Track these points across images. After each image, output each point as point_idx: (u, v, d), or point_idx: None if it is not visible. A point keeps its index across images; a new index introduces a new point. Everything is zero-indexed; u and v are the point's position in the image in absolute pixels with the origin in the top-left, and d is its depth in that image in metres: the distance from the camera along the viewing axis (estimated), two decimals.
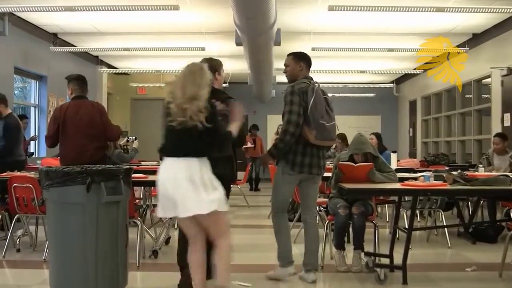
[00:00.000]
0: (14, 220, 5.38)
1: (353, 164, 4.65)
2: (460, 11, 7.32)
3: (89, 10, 7.36)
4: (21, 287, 4.43)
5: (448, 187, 4.27)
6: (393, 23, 9.37)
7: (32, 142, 9.61)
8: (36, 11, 7.59)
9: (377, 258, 4.70)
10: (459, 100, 11.88)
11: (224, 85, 14.83)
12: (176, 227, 6.73)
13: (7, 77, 9.15)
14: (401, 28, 9.67)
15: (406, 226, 5.90)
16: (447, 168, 7.79)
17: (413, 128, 15.70)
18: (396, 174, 4.87)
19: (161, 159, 3.42)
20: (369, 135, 8.88)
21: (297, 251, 5.74)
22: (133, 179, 5.30)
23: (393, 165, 6.93)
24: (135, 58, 12.95)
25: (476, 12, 7.46)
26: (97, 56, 13.02)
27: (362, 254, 4.74)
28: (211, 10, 8.57)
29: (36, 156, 9.88)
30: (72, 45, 11.16)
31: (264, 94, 15.28)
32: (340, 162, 4.71)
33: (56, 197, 3.49)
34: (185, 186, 3.23)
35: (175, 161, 3.32)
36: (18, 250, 5.51)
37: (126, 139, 7.97)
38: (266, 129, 16.92)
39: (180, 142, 3.37)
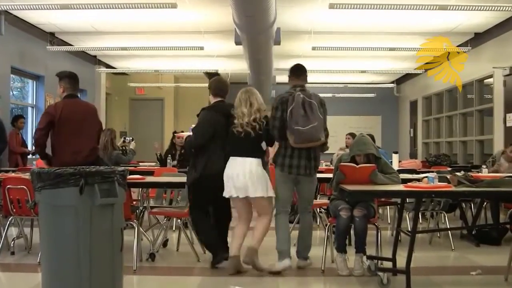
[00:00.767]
0: (8, 223, 5.26)
1: (354, 165, 4.54)
2: (462, 9, 7.21)
3: (86, 8, 7.25)
4: None
5: (453, 188, 4.15)
6: (395, 22, 9.27)
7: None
8: (32, 9, 7.49)
9: (379, 261, 4.59)
10: (461, 100, 11.79)
11: None
12: (174, 229, 6.64)
13: (4, 77, 9.05)
14: (403, 27, 9.57)
15: (409, 229, 5.83)
16: (449, 169, 7.69)
17: (414, 128, 15.60)
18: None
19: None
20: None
21: None
22: (130, 181, 5.23)
23: (395, 166, 6.82)
24: (133, 58, 12.85)
25: (479, 10, 7.35)
26: (95, 56, 12.92)
27: (364, 257, 4.61)
28: (210, 8, 8.46)
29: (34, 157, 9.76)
30: (70, 45, 11.05)
31: (264, 94, 15.10)
32: (342, 163, 4.59)
33: (48, 200, 3.36)
34: (252, 176, 4.60)
35: (244, 159, 4.67)
36: (13, 253, 5.39)
37: (122, 139, 7.87)
38: None
39: (242, 145, 4.70)
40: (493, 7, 7.27)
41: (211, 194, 4.83)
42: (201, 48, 10.05)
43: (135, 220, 5.00)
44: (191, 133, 5.05)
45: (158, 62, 13.01)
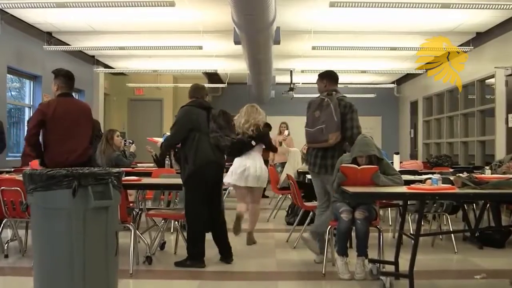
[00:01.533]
0: (2, 225, 5.16)
1: (356, 166, 4.43)
2: (465, 7, 7.12)
3: (82, 7, 7.14)
4: None
5: (458, 190, 4.04)
6: (396, 22, 9.18)
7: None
8: (28, 7, 7.37)
9: (381, 265, 4.48)
10: (462, 100, 11.69)
11: (222, 85, 14.71)
12: (172, 231, 6.54)
13: (0, 77, 8.93)
14: (404, 27, 9.48)
15: (411, 231, 5.73)
16: (451, 170, 7.59)
17: (414, 129, 15.50)
18: None
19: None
20: None
21: (298, 257, 5.56)
22: (126, 182, 5.13)
23: (396, 167, 6.71)
24: (132, 58, 12.74)
25: (482, 8, 7.26)
26: (93, 56, 12.80)
27: (366, 261, 4.51)
28: (209, 7, 8.36)
29: None
30: (67, 45, 10.94)
31: (264, 94, 15.06)
32: (343, 165, 4.48)
33: (40, 202, 3.26)
34: (261, 170, 6.12)
35: (249, 155, 6.10)
36: (6, 256, 5.28)
37: (123, 143, 7.75)
38: None
39: (245, 146, 6.06)
40: (496, 6, 7.17)
41: (207, 185, 5.03)
42: (200, 48, 9.94)
43: (131, 223, 4.89)
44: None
45: (157, 62, 12.91)
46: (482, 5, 7.08)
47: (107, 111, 14.62)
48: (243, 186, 6.10)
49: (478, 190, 4.03)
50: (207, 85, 15.46)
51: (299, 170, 8.04)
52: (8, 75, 9.40)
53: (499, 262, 5.22)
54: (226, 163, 5.46)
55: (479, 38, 10.08)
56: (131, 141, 8.15)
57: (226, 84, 14.83)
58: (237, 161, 6.15)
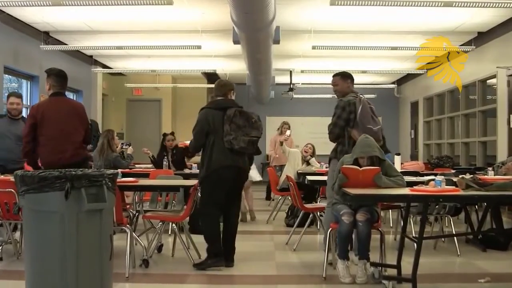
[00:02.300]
0: None
1: (358, 168, 4.32)
2: (468, 6, 7.01)
3: (78, 5, 7.03)
4: None
5: (462, 192, 3.94)
6: (397, 21, 9.09)
7: None
8: (23, 5, 7.26)
9: (383, 268, 4.38)
10: (463, 101, 11.60)
11: None
12: (170, 233, 6.42)
13: None
14: (405, 26, 9.38)
15: (413, 233, 5.63)
16: (453, 171, 7.50)
17: (414, 130, 15.41)
18: None
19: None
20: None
21: (298, 260, 5.46)
22: (123, 183, 5.04)
23: (397, 168, 6.60)
24: (130, 58, 12.64)
25: (485, 7, 7.16)
26: (91, 56, 12.70)
27: (368, 264, 4.41)
28: (207, 6, 8.26)
29: None
30: (65, 44, 10.84)
31: (263, 95, 14.98)
32: (344, 166, 4.38)
33: (32, 205, 3.16)
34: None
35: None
36: (0, 259, 5.18)
37: (120, 146, 7.65)
38: (265, 131, 16.56)
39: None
40: (499, 4, 7.08)
41: (222, 189, 4.98)
42: (199, 47, 9.83)
43: (127, 225, 4.78)
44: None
45: (155, 62, 12.81)
46: (485, 4, 6.97)
47: (105, 111, 14.51)
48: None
49: (483, 192, 3.93)
50: (205, 85, 15.40)
51: (299, 171, 7.95)
52: (5, 75, 9.30)
53: (503, 265, 5.13)
54: None
55: (481, 38, 9.99)
56: (128, 143, 8.06)
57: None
58: None
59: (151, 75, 14.74)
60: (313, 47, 9.69)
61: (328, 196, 5.12)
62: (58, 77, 4.96)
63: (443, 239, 6.19)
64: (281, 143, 8.38)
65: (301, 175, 7.56)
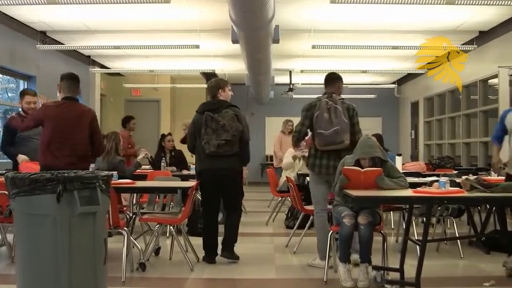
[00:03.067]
0: None
1: (359, 169, 4.22)
2: (470, 4, 6.92)
3: (74, 3, 6.92)
4: None
5: (467, 194, 3.84)
6: (397, 20, 9.00)
7: None
8: (18, 4, 7.16)
9: (385, 272, 4.27)
10: (464, 101, 11.51)
11: None
12: (168, 235, 6.31)
13: None
14: (406, 26, 9.29)
15: (416, 235, 5.52)
16: (455, 171, 7.40)
17: (415, 130, 15.33)
18: None
19: None
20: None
21: (298, 263, 5.35)
22: (119, 185, 4.94)
23: (398, 168, 6.50)
24: (128, 58, 12.54)
25: (487, 4, 7.05)
26: (89, 56, 12.59)
27: (370, 267, 4.30)
28: (205, 4, 8.16)
29: None
30: (62, 44, 10.73)
31: (262, 95, 14.88)
32: (345, 167, 4.27)
33: (23, 208, 3.05)
34: None
35: None
36: None
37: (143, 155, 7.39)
38: (264, 132, 16.53)
39: None
40: (501, 2, 6.97)
41: (209, 189, 5.29)
42: (197, 47, 9.72)
43: (124, 228, 4.67)
44: None
45: (154, 62, 12.70)
46: (487, 2, 6.87)
47: (103, 112, 14.40)
48: None
49: (488, 193, 3.83)
50: (204, 85, 15.26)
51: (299, 173, 7.85)
52: (1, 75, 9.20)
53: None
54: None
55: (482, 37, 9.89)
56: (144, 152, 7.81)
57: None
58: None
59: (149, 76, 14.63)
60: (313, 47, 9.59)
61: (314, 205, 5.20)
62: (68, 79, 4.93)
63: (445, 241, 6.08)
64: (297, 158, 8.12)
65: (301, 176, 7.46)
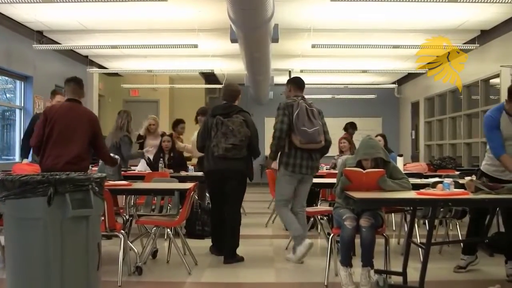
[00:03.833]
0: None
1: (361, 170, 4.11)
2: (472, 1, 6.82)
3: (71, 1, 6.82)
4: None
5: (472, 196, 3.73)
6: (398, 19, 8.91)
7: None
8: (13, 2, 7.06)
9: (388, 276, 4.16)
10: (465, 101, 11.41)
11: (219, 86, 14.47)
12: (166, 237, 6.20)
13: None
14: (406, 25, 9.20)
15: (418, 237, 5.40)
16: (457, 172, 7.29)
17: (415, 130, 15.23)
18: None
19: None
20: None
21: (298, 266, 5.23)
22: (116, 187, 4.83)
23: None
24: (126, 58, 12.43)
25: (488, 2, 6.95)
26: (86, 56, 12.48)
27: (372, 271, 4.18)
28: (203, 3, 8.06)
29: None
30: (58, 44, 10.62)
31: (262, 95, 14.78)
32: (347, 168, 4.16)
33: (13, 211, 2.94)
34: None
35: None
36: None
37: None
38: (264, 132, 16.39)
39: None
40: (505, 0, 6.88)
41: (213, 189, 5.62)
42: (195, 46, 9.61)
43: (121, 231, 4.55)
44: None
45: (152, 62, 12.60)
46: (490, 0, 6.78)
47: (101, 112, 14.29)
48: None
49: (494, 195, 3.72)
50: (203, 86, 15.20)
51: None
52: None
53: None
54: None
55: (484, 36, 9.79)
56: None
57: (223, 85, 14.51)
58: None
59: (148, 76, 14.53)
60: (313, 46, 9.49)
61: (277, 198, 5.43)
62: (70, 82, 4.95)
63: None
64: None
65: None
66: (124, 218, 5.28)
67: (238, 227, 5.41)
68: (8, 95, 10.30)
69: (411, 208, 4.53)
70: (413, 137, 15.44)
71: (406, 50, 10.20)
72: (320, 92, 15.08)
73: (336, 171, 7.40)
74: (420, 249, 4.80)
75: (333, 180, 4.77)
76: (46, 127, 4.70)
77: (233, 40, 8.35)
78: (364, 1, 6.78)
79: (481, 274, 4.88)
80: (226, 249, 5.29)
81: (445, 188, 3.80)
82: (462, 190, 3.90)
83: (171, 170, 7.32)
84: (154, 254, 5.42)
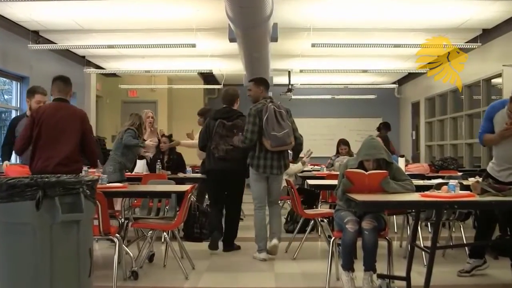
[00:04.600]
0: None
1: (363, 171, 3.98)
2: None
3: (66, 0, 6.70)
4: None
5: (478, 198, 3.60)
6: (399, 18, 8.80)
7: None
8: (7, 0, 6.94)
9: (391, 280, 4.04)
10: (467, 101, 11.29)
11: (218, 86, 14.29)
12: (163, 241, 6.07)
13: None
14: (407, 24, 9.09)
15: (421, 240, 5.27)
16: (459, 173, 7.18)
17: (416, 131, 15.11)
18: None
19: None
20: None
21: (298, 270, 5.12)
22: (111, 189, 4.70)
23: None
24: (124, 59, 12.31)
25: (492, 0, 6.85)
26: (83, 56, 12.35)
27: (374, 276, 4.06)
28: (201, 2, 7.94)
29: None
30: (54, 43, 10.49)
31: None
32: (349, 170, 4.04)
33: (0, 216, 2.81)
34: None
35: None
36: None
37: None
38: None
39: None
40: None
41: (213, 188, 6.02)
42: (193, 46, 9.48)
43: (116, 235, 4.42)
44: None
45: (150, 63, 12.48)
46: None
47: (99, 113, 14.17)
48: None
49: (501, 197, 3.60)
50: (202, 86, 15.08)
51: (298, 175, 7.62)
52: None
53: None
54: None
55: (486, 35, 9.67)
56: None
57: (222, 86, 14.38)
58: None
59: (146, 76, 14.41)
60: (313, 45, 9.36)
61: (255, 200, 5.59)
62: (57, 81, 4.80)
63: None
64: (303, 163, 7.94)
65: (301, 178, 7.24)
66: (120, 221, 5.15)
67: (237, 218, 5.96)
68: (6, 96, 10.19)
69: (415, 211, 4.39)
70: (414, 137, 15.34)
71: (407, 50, 10.10)
72: (320, 92, 14.96)
73: (334, 171, 7.31)
74: (423, 252, 4.69)
75: (334, 182, 4.65)
76: (34, 129, 4.53)
77: (232, 39, 8.24)
78: None
79: (486, 278, 4.74)
80: (226, 236, 5.79)
81: (450, 190, 3.67)
82: (468, 192, 3.78)
83: (169, 172, 7.20)
84: (150, 258, 5.30)
